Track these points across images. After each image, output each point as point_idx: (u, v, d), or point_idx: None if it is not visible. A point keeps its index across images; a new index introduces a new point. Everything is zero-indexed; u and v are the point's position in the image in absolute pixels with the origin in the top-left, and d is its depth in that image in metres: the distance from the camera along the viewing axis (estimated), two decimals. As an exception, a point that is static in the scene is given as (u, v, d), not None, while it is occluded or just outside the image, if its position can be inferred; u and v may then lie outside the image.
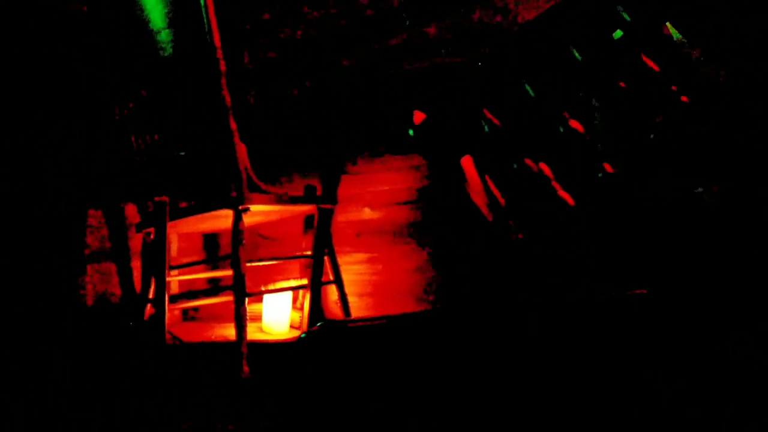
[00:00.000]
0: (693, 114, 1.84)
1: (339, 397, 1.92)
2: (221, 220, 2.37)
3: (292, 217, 2.69)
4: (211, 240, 3.14)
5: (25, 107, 2.45)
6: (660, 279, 1.96)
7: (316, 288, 2.35)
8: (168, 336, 2.12)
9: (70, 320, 2.33)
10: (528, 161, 2.02)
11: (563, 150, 1.99)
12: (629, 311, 1.90)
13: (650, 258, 1.97)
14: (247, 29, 3.08)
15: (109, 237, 2.56)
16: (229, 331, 2.64)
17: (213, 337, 2.50)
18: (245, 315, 2.04)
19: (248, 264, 2.13)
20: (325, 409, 1.90)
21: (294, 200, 2.27)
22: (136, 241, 2.70)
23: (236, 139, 2.17)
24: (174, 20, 2.16)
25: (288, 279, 2.74)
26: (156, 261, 2.14)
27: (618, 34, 1.89)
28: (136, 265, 2.69)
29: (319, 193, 2.66)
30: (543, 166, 2.00)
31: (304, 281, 2.40)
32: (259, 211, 2.26)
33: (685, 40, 1.82)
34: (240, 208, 2.14)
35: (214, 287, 2.95)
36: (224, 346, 2.30)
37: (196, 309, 3.01)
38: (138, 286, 2.68)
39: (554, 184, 2.00)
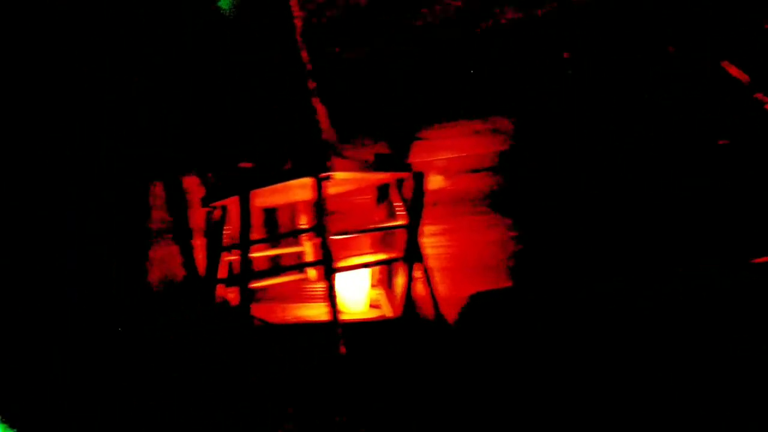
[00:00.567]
0: None
1: (457, 379, 1.74)
2: (294, 191, 2.18)
3: (359, 188, 2.49)
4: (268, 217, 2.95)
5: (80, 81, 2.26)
6: None
7: (412, 261, 2.14)
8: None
9: (136, 304, 2.15)
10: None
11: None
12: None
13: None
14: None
15: (170, 214, 2.37)
16: (304, 312, 2.45)
17: (289, 318, 2.31)
18: (335, 292, 1.84)
19: (333, 237, 1.93)
20: (443, 391, 1.72)
21: (382, 166, 2.06)
22: (196, 219, 2.51)
23: (316, 100, 1.97)
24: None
25: (358, 255, 2.54)
26: (241, 234, 1.94)
27: None
28: (198, 243, 2.50)
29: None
30: None
31: (388, 256, 2.19)
32: (340, 180, 2.06)
33: None
34: (322, 175, 1.93)
35: (275, 266, 2.75)
36: (312, 327, 2.11)
37: (259, 290, 2.83)
38: (201, 266, 2.49)
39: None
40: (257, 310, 2.52)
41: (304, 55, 1.99)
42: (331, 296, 1.84)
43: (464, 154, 2.63)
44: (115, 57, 2.23)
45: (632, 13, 2.31)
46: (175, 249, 2.41)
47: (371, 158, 2.35)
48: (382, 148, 2.56)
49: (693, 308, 1.76)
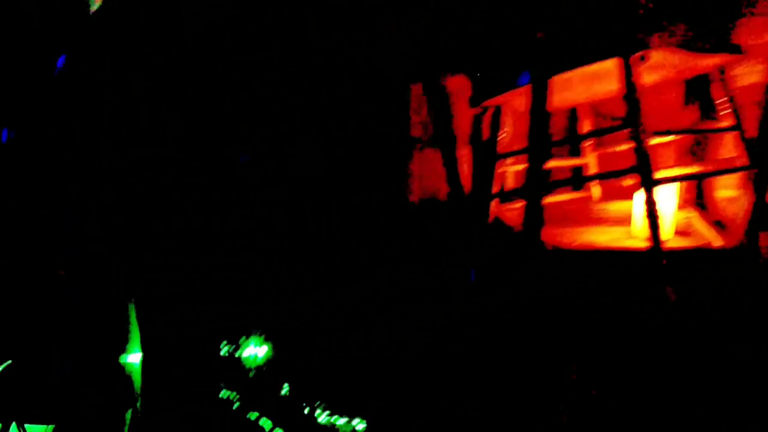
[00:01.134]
0: None
1: None
2: (586, 84, 1.71)
3: (670, 79, 1.93)
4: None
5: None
6: None
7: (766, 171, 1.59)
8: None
9: (399, 219, 1.89)
10: None
11: None
12: None
13: None
14: None
15: (433, 119, 2.06)
16: (594, 236, 2.02)
17: (576, 243, 1.89)
18: (656, 209, 1.38)
19: (653, 139, 1.45)
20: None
21: (708, 47, 1.52)
22: (461, 124, 2.17)
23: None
24: None
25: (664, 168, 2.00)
26: (531, 134, 1.55)
27: None
28: (462, 153, 2.16)
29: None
30: None
31: (718, 167, 1.65)
32: (656, 64, 1.55)
33: None
34: (637, 55, 1.45)
35: (554, 182, 2.32)
36: (613, 255, 1.68)
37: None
38: (465, 179, 2.16)
39: None
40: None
41: None
42: (651, 215, 1.38)
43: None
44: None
45: None
46: (437, 159, 2.11)
47: (689, 36, 1.79)
48: (701, 26, 1.96)
49: None
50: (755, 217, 1.52)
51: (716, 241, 1.71)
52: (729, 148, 1.83)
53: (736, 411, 1.10)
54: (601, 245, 1.84)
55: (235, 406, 1.61)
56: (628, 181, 1.55)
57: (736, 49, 1.74)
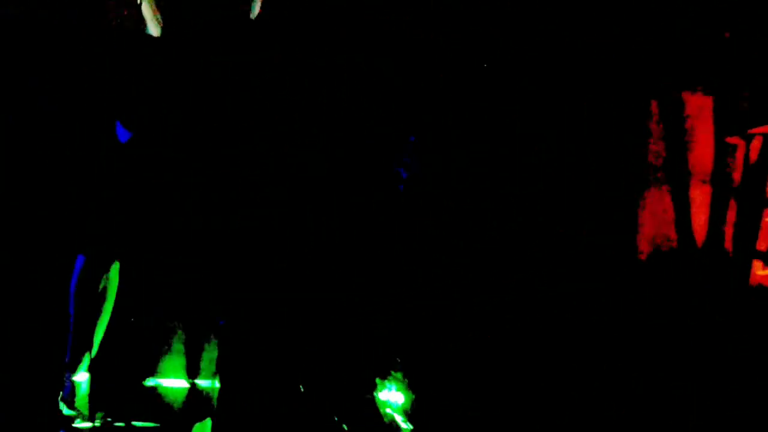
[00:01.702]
0: None
1: None
2: None
3: None
4: None
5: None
6: None
7: None
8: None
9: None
10: None
11: None
12: None
13: None
14: None
15: (666, 149, 1.59)
16: None
17: None
18: None
19: None
20: None
21: None
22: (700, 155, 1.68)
23: None
24: None
25: None
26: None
27: None
28: (699, 193, 1.68)
29: None
30: None
31: None
32: None
33: None
34: None
35: None
36: None
37: None
38: (700, 227, 1.68)
39: None
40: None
41: None
42: None
43: None
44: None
45: None
46: (667, 198, 1.64)
47: None
48: None
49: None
50: None
51: None
52: None
53: None
54: None
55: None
56: None
57: None
